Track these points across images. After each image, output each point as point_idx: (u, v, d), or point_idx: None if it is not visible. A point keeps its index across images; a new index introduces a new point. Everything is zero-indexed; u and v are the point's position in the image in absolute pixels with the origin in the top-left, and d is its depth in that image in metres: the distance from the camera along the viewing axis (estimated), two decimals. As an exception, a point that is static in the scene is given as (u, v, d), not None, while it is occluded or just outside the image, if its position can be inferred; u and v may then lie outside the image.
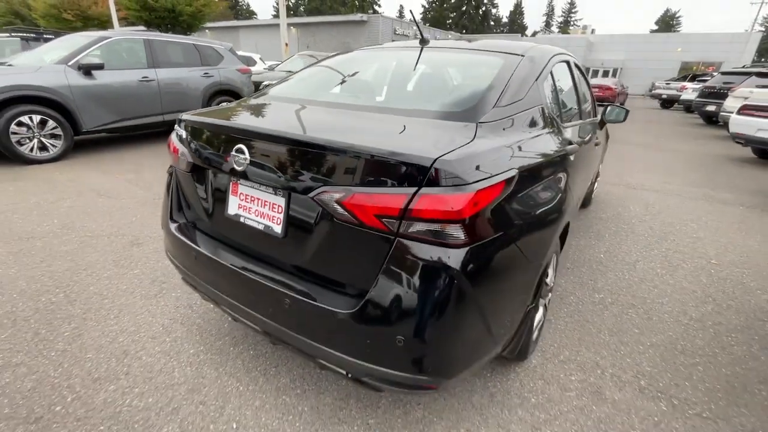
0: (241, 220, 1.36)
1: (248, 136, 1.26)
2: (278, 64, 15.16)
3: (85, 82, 5.06)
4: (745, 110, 6.65)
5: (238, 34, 34.04)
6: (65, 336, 1.88)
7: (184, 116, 1.54)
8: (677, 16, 62.02)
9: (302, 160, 1.16)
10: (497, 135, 1.27)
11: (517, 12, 67.72)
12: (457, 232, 1.01)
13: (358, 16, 28.07)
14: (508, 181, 1.15)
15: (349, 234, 1.10)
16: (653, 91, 20.06)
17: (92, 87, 5.13)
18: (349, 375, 1.19)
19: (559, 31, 64.96)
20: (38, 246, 2.74)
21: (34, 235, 2.89)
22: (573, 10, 68.32)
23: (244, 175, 1.29)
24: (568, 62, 2.34)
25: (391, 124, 1.34)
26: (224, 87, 6.91)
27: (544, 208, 1.41)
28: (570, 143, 1.79)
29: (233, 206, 1.38)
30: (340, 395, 1.61)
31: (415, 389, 1.15)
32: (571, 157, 1.79)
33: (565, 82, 2.18)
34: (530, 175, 1.30)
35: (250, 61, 12.93)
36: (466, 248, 1.03)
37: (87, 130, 5.20)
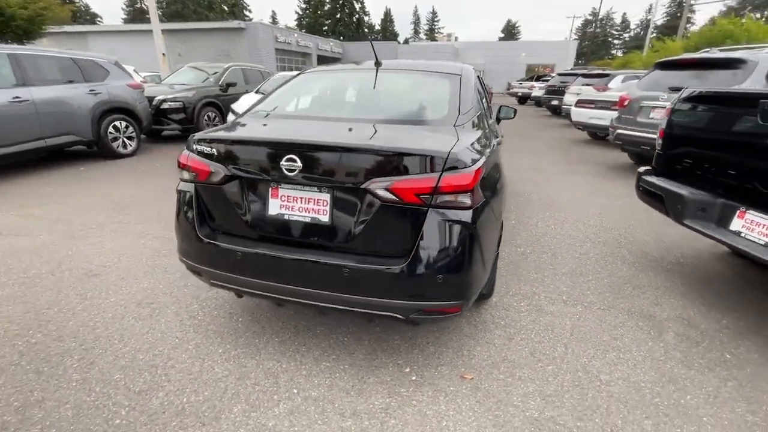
0: (285, 217, 1.65)
1: (298, 147, 1.56)
2: (157, 75, 13.84)
3: (-62, 107, 4.22)
4: (580, 103, 8.72)
5: (87, 40, 29.30)
6: (75, 367, 1.85)
7: (202, 136, 1.74)
8: (517, 25, 73.99)
9: (349, 162, 1.53)
10: (467, 133, 1.82)
11: (388, 20, 72.49)
12: (466, 199, 1.52)
13: (235, 23, 26.77)
14: (485, 163, 1.70)
15: (391, 211, 1.52)
16: (510, 90, 23.94)
17: (-52, 112, 4.30)
18: (400, 317, 1.60)
19: (427, 39, 71.62)
20: (-34, 296, 2.41)
21: (-50, 287, 2.51)
22: (435, 19, 76.11)
23: (286, 180, 1.59)
24: (478, 75, 3.06)
25: (401, 131, 1.78)
26: (115, 105, 6.29)
27: (498, 181, 2.02)
28: (497, 136, 2.46)
29: (275, 207, 1.66)
30: (368, 351, 1.99)
31: (445, 313, 1.62)
32: (500, 147, 2.47)
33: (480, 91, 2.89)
34: (489, 159, 1.88)
35: (123, 74, 11.57)
36: (472, 209, 1.55)
37: (-53, 164, 4.33)
